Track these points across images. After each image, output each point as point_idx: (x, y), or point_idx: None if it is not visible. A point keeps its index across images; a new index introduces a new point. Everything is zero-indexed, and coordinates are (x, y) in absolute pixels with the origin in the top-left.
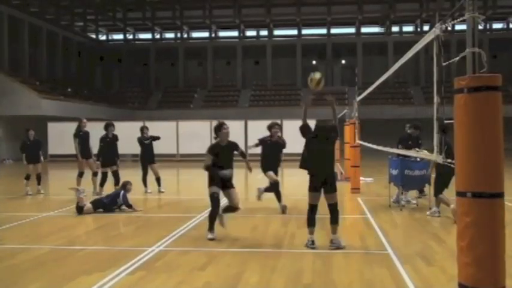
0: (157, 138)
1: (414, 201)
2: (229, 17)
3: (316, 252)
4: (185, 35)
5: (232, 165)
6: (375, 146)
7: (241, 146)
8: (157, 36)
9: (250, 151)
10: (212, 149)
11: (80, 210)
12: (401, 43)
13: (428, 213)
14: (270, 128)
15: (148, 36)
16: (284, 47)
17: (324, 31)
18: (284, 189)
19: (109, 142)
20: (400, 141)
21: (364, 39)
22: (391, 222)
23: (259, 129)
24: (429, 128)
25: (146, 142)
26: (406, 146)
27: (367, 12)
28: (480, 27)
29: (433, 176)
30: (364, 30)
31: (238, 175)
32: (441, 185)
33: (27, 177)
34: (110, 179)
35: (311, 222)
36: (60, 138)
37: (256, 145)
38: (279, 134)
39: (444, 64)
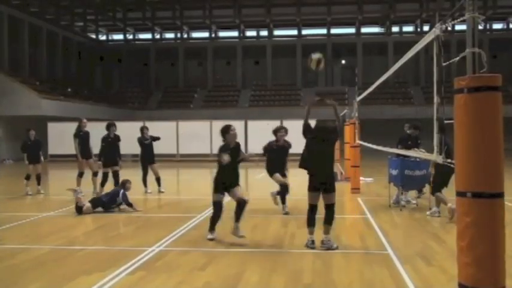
0: (158, 138)
1: (414, 201)
2: (229, 17)
3: (316, 252)
4: (185, 35)
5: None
6: (374, 146)
7: (241, 146)
8: (157, 36)
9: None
10: (224, 150)
11: (79, 210)
12: (402, 43)
13: (428, 213)
14: (275, 132)
15: (148, 36)
16: (284, 47)
17: (324, 31)
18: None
19: (110, 142)
20: (400, 141)
21: (364, 39)
22: (391, 222)
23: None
24: (429, 128)
25: (146, 142)
26: (405, 146)
27: (367, 12)
28: (480, 27)
29: (432, 172)
30: (364, 30)
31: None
32: (440, 184)
33: (28, 177)
34: (111, 179)
35: (311, 222)
36: (60, 138)
37: (263, 154)
38: (285, 137)
39: (444, 64)
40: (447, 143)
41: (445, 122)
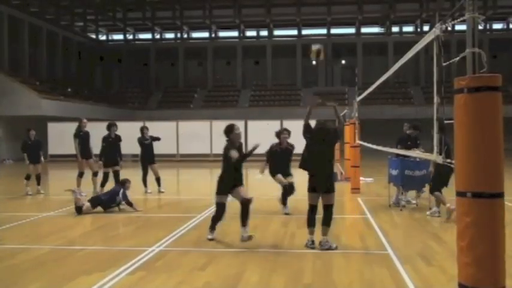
0: (158, 139)
1: (414, 201)
2: (229, 17)
3: (316, 252)
4: (185, 35)
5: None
6: (374, 146)
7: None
8: (157, 36)
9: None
10: (230, 148)
11: (79, 210)
12: (402, 43)
13: (428, 213)
14: (278, 134)
15: (148, 36)
16: (284, 47)
17: (324, 31)
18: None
19: (111, 142)
20: (399, 141)
21: (364, 40)
22: (391, 222)
23: (259, 129)
24: (428, 128)
25: (146, 142)
26: (405, 146)
27: (367, 12)
28: (480, 27)
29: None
30: (364, 30)
31: None
32: (439, 183)
33: (28, 177)
34: (111, 179)
35: (311, 222)
36: (60, 138)
37: (267, 161)
38: (288, 140)
39: (444, 64)
40: (447, 143)
41: (445, 122)
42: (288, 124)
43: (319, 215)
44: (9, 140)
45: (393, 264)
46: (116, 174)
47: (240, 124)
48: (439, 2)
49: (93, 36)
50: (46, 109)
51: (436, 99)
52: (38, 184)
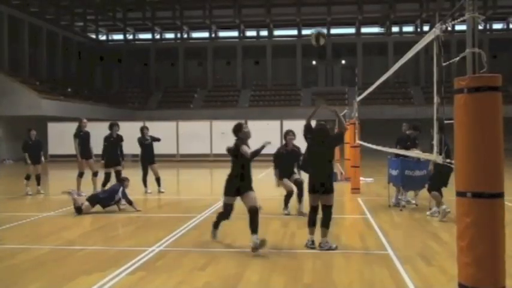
0: (158, 140)
1: (414, 201)
2: (229, 17)
3: (316, 252)
4: (185, 35)
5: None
6: (374, 146)
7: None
8: (157, 36)
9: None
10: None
11: (78, 210)
12: (402, 43)
13: (428, 213)
14: (285, 135)
15: (148, 36)
16: (284, 47)
17: (324, 31)
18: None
19: (113, 142)
20: (398, 141)
21: (364, 40)
22: (391, 222)
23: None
24: (428, 128)
25: (146, 143)
26: (404, 146)
27: (367, 12)
28: (480, 27)
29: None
30: (364, 30)
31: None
32: (438, 182)
33: (28, 177)
34: (112, 180)
35: (311, 222)
36: (60, 138)
37: (274, 166)
38: (294, 141)
39: (444, 64)
40: (447, 143)
41: (445, 122)
42: (288, 124)
43: (321, 214)
44: (9, 140)
45: (393, 264)
46: (118, 174)
47: None
48: (439, 2)
49: (93, 36)
50: (46, 109)
51: (436, 99)
52: (38, 184)
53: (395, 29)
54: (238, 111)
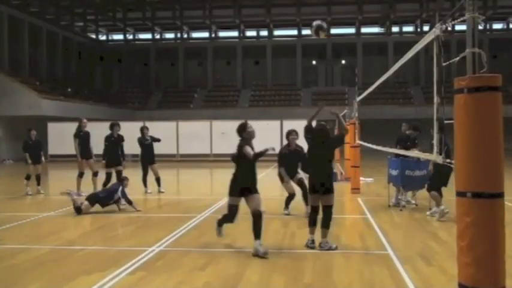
0: (158, 140)
1: (414, 201)
2: (229, 17)
3: (316, 252)
4: (185, 35)
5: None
6: (374, 146)
7: None
8: (157, 36)
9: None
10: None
11: (78, 210)
12: (402, 43)
13: (428, 213)
14: (287, 135)
15: (148, 36)
16: (284, 47)
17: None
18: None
19: (114, 142)
20: (398, 141)
21: (364, 40)
22: (391, 222)
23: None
24: (428, 128)
25: (146, 143)
26: (404, 146)
27: (367, 13)
28: (480, 27)
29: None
30: (364, 30)
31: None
32: (438, 182)
33: (28, 177)
34: (113, 180)
35: (312, 222)
36: (60, 138)
37: (280, 166)
38: (297, 141)
39: (444, 64)
40: (447, 143)
41: (445, 122)
42: (287, 124)
43: (321, 214)
44: (9, 140)
45: (393, 264)
46: (119, 174)
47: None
48: (439, 2)
49: (93, 36)
50: (46, 109)
51: (436, 99)
52: (38, 184)
53: (395, 29)
54: (238, 111)
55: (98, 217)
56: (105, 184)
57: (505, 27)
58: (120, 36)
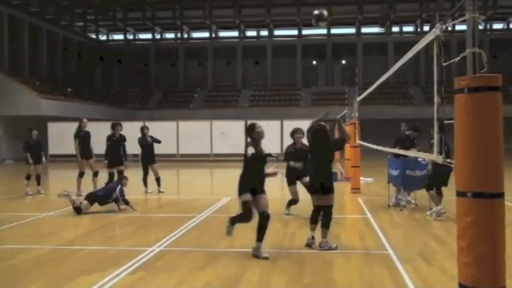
0: (158, 141)
1: (413, 201)
2: (229, 17)
3: (316, 252)
4: (185, 35)
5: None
6: (374, 146)
7: (241, 147)
8: (158, 36)
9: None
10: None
11: (78, 210)
12: (402, 43)
13: (428, 213)
14: (292, 134)
15: (148, 36)
16: (284, 47)
17: (324, 31)
18: (287, 190)
19: (116, 141)
20: (397, 142)
21: (364, 39)
22: (391, 222)
23: None
24: (428, 128)
25: (146, 143)
26: (403, 147)
27: (367, 12)
28: (480, 27)
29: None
30: (364, 30)
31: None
32: (437, 182)
33: (28, 177)
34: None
35: (313, 220)
36: (60, 138)
37: (288, 164)
38: (302, 140)
39: (444, 64)
40: (447, 143)
41: (445, 122)
42: (288, 124)
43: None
44: (9, 140)
45: (393, 264)
46: (120, 174)
47: (240, 124)
48: (439, 2)
49: (93, 36)
50: (46, 109)
51: (436, 99)
52: (38, 184)
53: (395, 29)
54: (238, 111)
55: (98, 217)
56: (107, 184)
57: (505, 27)
58: (120, 36)
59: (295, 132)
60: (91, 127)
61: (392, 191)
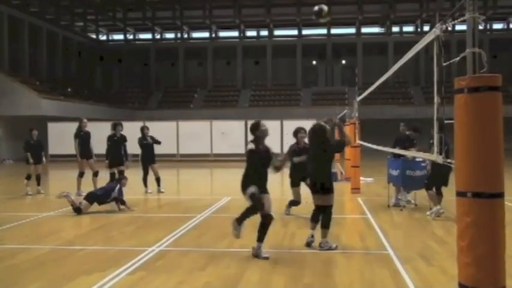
0: (158, 142)
1: (413, 201)
2: (229, 17)
3: (316, 252)
4: (185, 35)
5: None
6: (374, 146)
7: (241, 147)
8: (158, 36)
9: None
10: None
11: (77, 210)
12: (402, 43)
13: (428, 213)
14: (295, 133)
15: (148, 36)
16: (284, 47)
17: (324, 31)
18: (287, 191)
19: (117, 141)
20: (397, 142)
21: (364, 39)
22: (391, 222)
23: None
24: (428, 128)
25: (146, 143)
26: (403, 146)
27: (367, 12)
28: (480, 27)
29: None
30: (364, 30)
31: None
32: (437, 182)
33: (28, 177)
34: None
35: (314, 218)
36: (60, 138)
37: (291, 162)
38: (305, 139)
39: (444, 64)
40: (447, 143)
41: (445, 121)
42: (288, 124)
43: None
44: (9, 140)
45: (393, 264)
46: (121, 174)
47: (240, 124)
48: (439, 2)
49: (93, 36)
50: (46, 109)
51: (436, 99)
52: (38, 184)
53: (395, 29)
54: (238, 111)
55: (98, 217)
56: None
57: (505, 27)
58: (120, 36)
59: (298, 132)
60: (91, 127)
61: (392, 191)
